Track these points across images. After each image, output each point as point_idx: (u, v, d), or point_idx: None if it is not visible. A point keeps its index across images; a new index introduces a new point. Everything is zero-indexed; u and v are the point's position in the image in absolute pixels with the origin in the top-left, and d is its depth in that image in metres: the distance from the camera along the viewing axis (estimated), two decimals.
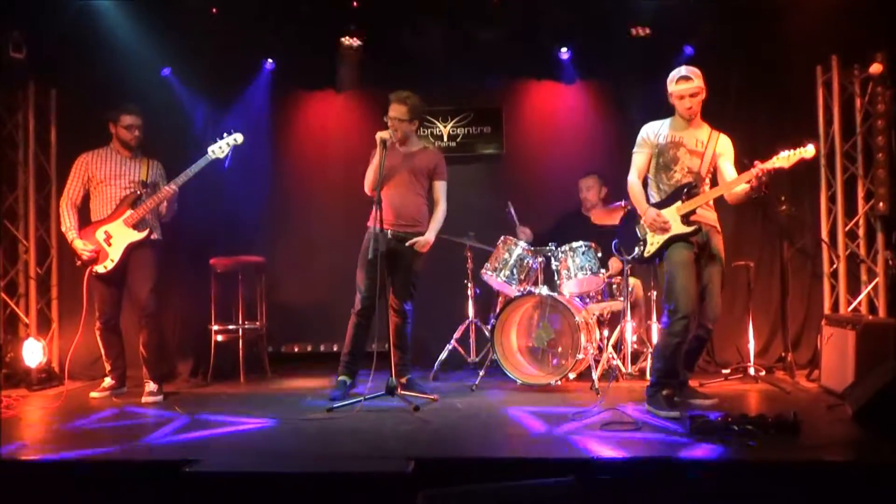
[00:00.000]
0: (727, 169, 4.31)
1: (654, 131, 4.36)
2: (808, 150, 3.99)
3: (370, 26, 5.86)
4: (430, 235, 4.92)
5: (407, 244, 4.83)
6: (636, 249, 4.39)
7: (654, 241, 4.29)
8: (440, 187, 5.00)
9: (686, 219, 4.21)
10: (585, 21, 5.83)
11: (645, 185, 4.44)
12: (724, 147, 4.33)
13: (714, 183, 4.37)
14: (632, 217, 4.48)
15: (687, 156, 4.29)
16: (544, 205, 6.17)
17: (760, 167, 4.05)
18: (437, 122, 6.48)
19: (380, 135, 4.75)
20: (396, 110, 4.89)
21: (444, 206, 4.99)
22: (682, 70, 4.27)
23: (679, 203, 4.24)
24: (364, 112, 6.41)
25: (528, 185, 6.32)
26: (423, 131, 6.45)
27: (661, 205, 4.30)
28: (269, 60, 6.17)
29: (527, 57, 6.14)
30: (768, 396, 4.81)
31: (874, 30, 5.25)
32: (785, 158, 4.00)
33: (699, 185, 4.29)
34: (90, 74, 5.79)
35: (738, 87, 5.97)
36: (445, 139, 6.47)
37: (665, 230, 4.23)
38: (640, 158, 4.40)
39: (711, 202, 4.34)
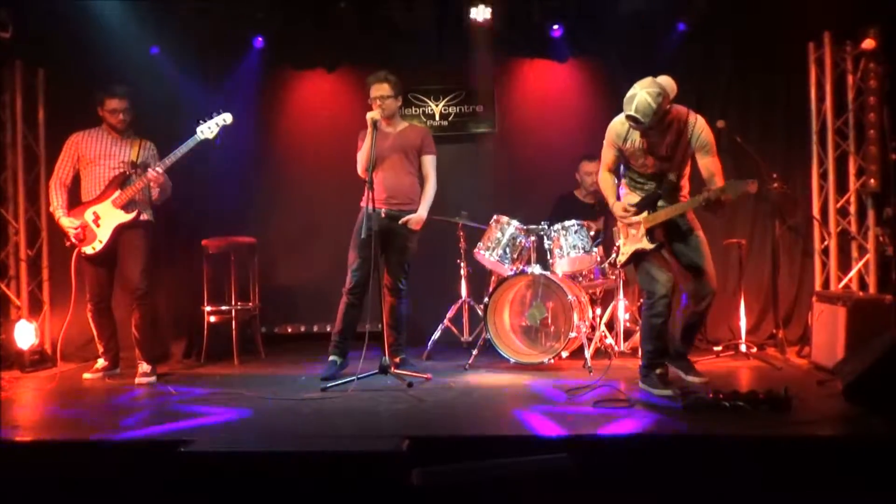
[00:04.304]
0: (705, 165, 4.20)
1: (622, 136, 4.24)
2: (753, 186, 4.02)
3: (362, 4, 5.80)
4: (422, 212, 4.93)
5: (400, 222, 4.83)
6: (613, 254, 4.52)
7: (624, 252, 4.38)
8: (429, 162, 5.00)
9: (651, 234, 4.25)
10: None
11: (619, 174, 4.46)
12: (699, 142, 4.18)
13: (693, 169, 4.37)
14: (613, 220, 4.52)
15: (657, 162, 4.27)
16: (537, 183, 6.16)
17: (705, 196, 4.07)
18: (428, 100, 6.44)
19: (370, 115, 4.75)
20: (380, 89, 4.88)
21: (434, 182, 5.00)
22: (630, 110, 3.96)
23: (646, 214, 4.27)
24: (356, 91, 6.33)
25: (520, 165, 6.31)
26: (415, 110, 6.43)
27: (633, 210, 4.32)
28: (259, 38, 6.10)
29: (519, 35, 6.10)
30: (760, 373, 4.85)
31: (866, 6, 5.22)
32: (733, 188, 4.01)
33: (674, 189, 4.29)
34: (78, 53, 5.72)
35: (730, 63, 5.96)
36: (437, 118, 6.44)
37: (630, 224, 4.29)
38: (608, 156, 4.39)
39: (686, 173, 4.35)
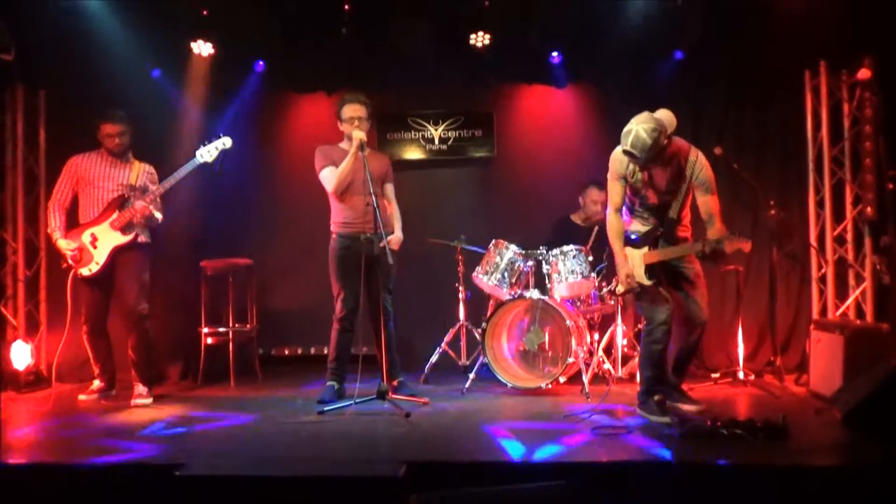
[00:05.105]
0: (705, 204, 4.23)
1: (625, 164, 4.23)
2: (747, 246, 4.06)
3: (361, 29, 5.86)
4: (399, 233, 5.02)
5: (381, 244, 4.71)
6: (614, 281, 4.51)
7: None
8: (392, 189, 5.13)
9: (650, 270, 4.25)
10: (576, 24, 5.84)
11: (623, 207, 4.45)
12: (698, 179, 4.20)
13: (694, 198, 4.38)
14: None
15: (659, 194, 4.28)
16: (536, 208, 6.18)
17: (701, 249, 4.11)
18: (427, 124, 6.48)
19: (360, 135, 4.76)
20: (359, 111, 4.92)
21: (397, 205, 5.13)
22: (627, 146, 4.00)
23: (647, 249, 4.28)
24: None
25: (519, 189, 6.33)
26: (414, 134, 6.46)
27: (636, 243, 4.33)
28: (260, 62, 6.14)
29: (518, 60, 6.14)
30: (757, 401, 4.83)
31: (862, 35, 5.29)
32: (728, 243, 4.03)
33: (674, 224, 4.29)
34: (80, 75, 5.75)
35: (726, 90, 6.01)
36: (436, 142, 6.47)
37: (631, 288, 4.28)
38: (615, 191, 4.33)
39: (688, 208, 4.37)
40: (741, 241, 4.04)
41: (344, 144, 5.02)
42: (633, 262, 4.30)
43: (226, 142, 5.00)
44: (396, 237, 4.99)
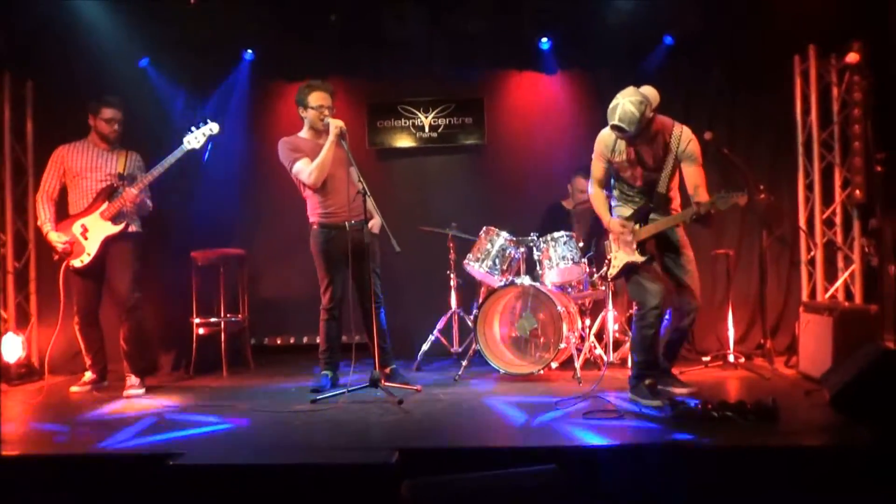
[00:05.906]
0: (690, 176, 4.23)
1: (610, 147, 4.26)
2: (742, 199, 4.05)
3: (351, 15, 5.82)
4: (378, 218, 4.85)
5: (365, 230, 4.71)
6: (604, 267, 4.54)
7: (615, 266, 4.38)
8: (357, 172, 4.82)
9: (641, 247, 4.27)
10: (566, 11, 5.84)
11: (609, 186, 4.47)
12: (685, 153, 4.21)
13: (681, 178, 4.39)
14: (604, 233, 4.53)
15: (646, 174, 4.29)
16: (526, 194, 6.19)
17: (695, 210, 4.10)
18: (418, 112, 6.45)
19: (339, 123, 4.68)
20: (326, 99, 4.83)
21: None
22: (614, 120, 4.00)
23: (637, 226, 4.29)
24: (346, 102, 6.37)
25: (509, 176, 6.32)
26: (405, 122, 6.44)
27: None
28: (249, 51, 6.11)
29: (508, 47, 6.14)
30: (748, 383, 4.87)
31: (851, 19, 5.30)
32: (723, 201, 4.03)
33: (665, 202, 4.30)
34: (68, 65, 5.72)
35: (717, 76, 6.02)
36: (427, 129, 6.45)
37: (628, 243, 4.28)
38: (597, 169, 4.39)
39: (675, 185, 4.38)
40: (736, 196, 4.03)
41: (304, 133, 4.91)
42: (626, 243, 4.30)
43: (213, 127, 4.98)
44: (378, 221, 4.89)
